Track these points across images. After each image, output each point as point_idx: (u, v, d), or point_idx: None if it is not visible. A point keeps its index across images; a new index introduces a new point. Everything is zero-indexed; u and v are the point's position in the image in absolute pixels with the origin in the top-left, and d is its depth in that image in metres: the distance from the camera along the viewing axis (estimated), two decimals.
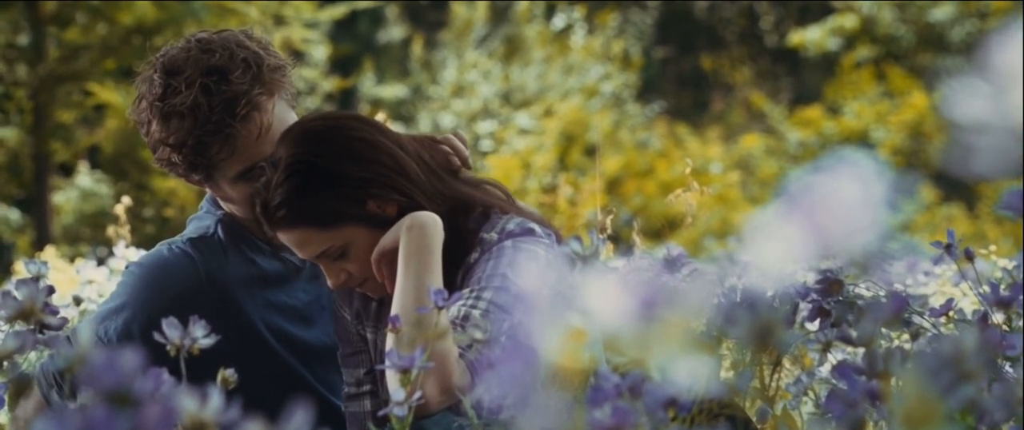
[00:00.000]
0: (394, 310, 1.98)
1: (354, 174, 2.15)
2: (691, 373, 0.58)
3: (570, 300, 0.60)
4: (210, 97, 2.24)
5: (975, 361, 0.83)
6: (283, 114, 2.34)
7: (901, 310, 1.15)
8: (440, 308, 1.74)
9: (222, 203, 2.48)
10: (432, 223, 2.12)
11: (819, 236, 0.58)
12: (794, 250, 0.58)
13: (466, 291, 2.02)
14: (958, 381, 0.84)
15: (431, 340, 1.76)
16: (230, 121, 2.25)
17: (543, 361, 0.61)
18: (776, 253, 0.58)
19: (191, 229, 2.50)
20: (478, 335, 1.62)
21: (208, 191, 2.50)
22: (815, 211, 0.57)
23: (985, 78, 0.62)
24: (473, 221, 2.20)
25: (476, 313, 1.93)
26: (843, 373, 1.06)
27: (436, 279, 2.05)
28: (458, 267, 2.14)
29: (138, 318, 2.35)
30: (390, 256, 2.14)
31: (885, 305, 1.17)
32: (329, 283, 2.24)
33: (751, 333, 0.77)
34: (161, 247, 2.46)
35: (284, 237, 2.19)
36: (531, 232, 2.15)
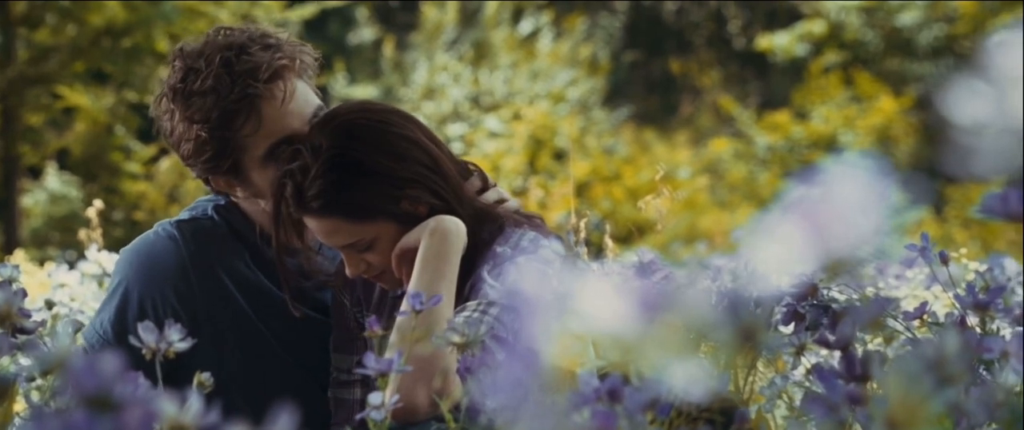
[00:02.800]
0: (402, 310, 1.98)
1: (394, 172, 2.15)
2: (687, 376, 0.59)
3: (573, 307, 0.60)
4: (231, 69, 2.25)
5: (957, 364, 0.83)
6: (305, 92, 2.34)
7: (882, 313, 1.16)
8: (417, 312, 1.73)
9: (243, 203, 2.45)
10: (455, 230, 2.13)
11: (820, 241, 0.58)
12: (795, 255, 0.58)
13: (473, 304, 2.02)
14: (941, 384, 0.85)
15: (411, 345, 1.75)
16: (254, 84, 2.24)
17: (544, 366, 0.61)
18: (776, 258, 0.58)
19: (186, 212, 2.49)
20: (456, 339, 1.61)
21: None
22: (816, 215, 0.58)
23: (985, 80, 0.62)
24: (487, 232, 2.20)
25: (482, 328, 1.94)
26: (823, 377, 1.06)
27: (448, 287, 2.05)
28: (467, 278, 2.14)
29: (131, 302, 2.35)
30: (410, 255, 2.15)
31: (866, 308, 1.18)
32: (347, 271, 2.24)
33: (734, 336, 0.78)
34: (149, 231, 2.46)
35: (313, 224, 2.18)
36: (543, 248, 2.15)
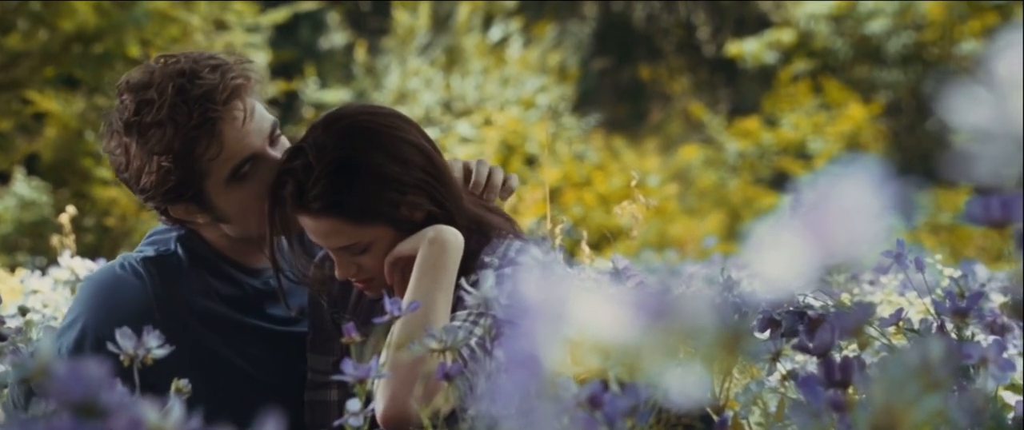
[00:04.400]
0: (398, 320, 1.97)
1: (398, 177, 2.14)
2: (682, 383, 0.59)
3: (569, 314, 0.60)
4: (185, 95, 2.21)
5: (941, 371, 0.84)
6: (260, 109, 2.32)
7: (865, 320, 1.17)
8: (396, 317, 1.73)
9: (203, 230, 2.41)
10: (454, 241, 2.12)
11: (824, 246, 0.58)
12: (798, 260, 0.59)
13: (462, 314, 2.02)
14: (924, 391, 0.85)
15: (405, 354, 1.75)
16: (213, 108, 2.22)
17: (542, 373, 0.61)
18: (780, 263, 0.59)
19: (149, 247, 2.43)
20: (434, 346, 1.61)
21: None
22: (820, 220, 0.58)
23: (986, 85, 0.63)
24: (475, 242, 2.19)
25: (461, 334, 1.94)
26: (806, 383, 1.07)
27: (445, 298, 2.05)
28: (456, 289, 2.14)
29: (88, 336, 2.31)
30: (404, 263, 2.14)
31: (848, 315, 1.18)
32: (337, 273, 2.22)
33: (722, 342, 0.78)
34: (115, 263, 2.41)
35: (311, 224, 2.16)
36: (532, 258, 2.14)
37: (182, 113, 2.21)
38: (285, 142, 2.36)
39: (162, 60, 2.28)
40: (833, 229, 0.58)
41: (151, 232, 2.49)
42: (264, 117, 2.31)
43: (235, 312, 2.40)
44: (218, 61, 2.28)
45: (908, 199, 0.65)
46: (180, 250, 2.39)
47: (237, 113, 2.25)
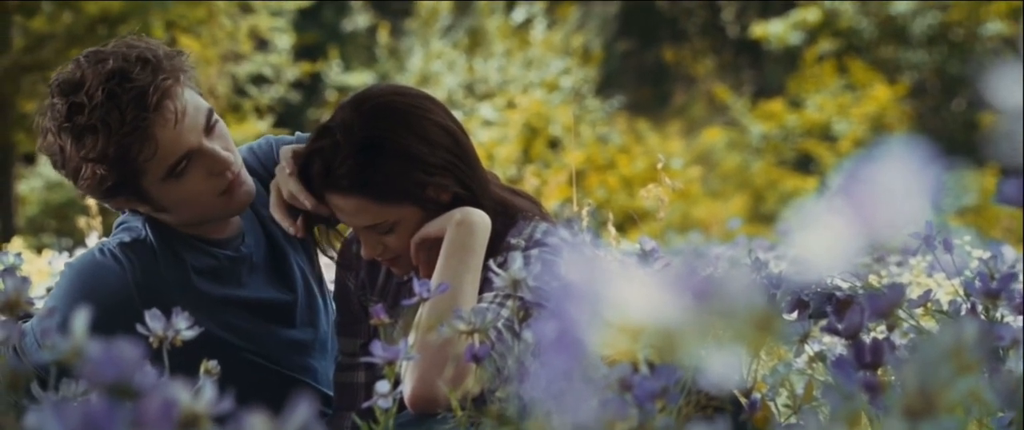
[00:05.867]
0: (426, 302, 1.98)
1: (425, 157, 2.14)
2: (723, 365, 0.59)
3: (608, 296, 0.60)
4: (117, 100, 2.19)
5: (976, 353, 0.83)
6: (194, 100, 2.29)
7: (897, 302, 1.16)
8: (425, 299, 1.73)
9: (151, 216, 2.40)
10: (482, 223, 2.12)
11: (866, 227, 0.58)
12: (840, 242, 0.58)
13: (490, 295, 2.02)
14: (958, 373, 0.85)
15: (433, 335, 1.75)
16: (144, 114, 2.19)
17: (586, 355, 0.61)
18: (821, 245, 0.58)
19: (124, 232, 2.41)
20: (462, 327, 1.61)
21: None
22: (863, 201, 0.58)
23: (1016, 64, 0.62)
24: (501, 224, 2.19)
25: (489, 316, 1.94)
26: (839, 365, 1.06)
27: (473, 279, 2.05)
28: (483, 271, 2.13)
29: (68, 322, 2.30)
30: (430, 243, 2.15)
31: (881, 297, 1.18)
32: (363, 252, 2.22)
33: (753, 323, 0.77)
34: (94, 250, 2.39)
35: (338, 202, 2.17)
36: (559, 239, 2.13)
37: (115, 118, 2.18)
38: (223, 129, 2.34)
39: (88, 58, 2.25)
40: (875, 211, 0.58)
41: (119, 220, 2.47)
42: (198, 109, 2.27)
43: (214, 285, 2.40)
44: (148, 55, 2.24)
45: (941, 181, 0.64)
46: (150, 232, 2.38)
47: (169, 116, 2.22)
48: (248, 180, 2.38)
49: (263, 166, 2.55)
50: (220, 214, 2.39)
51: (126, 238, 2.38)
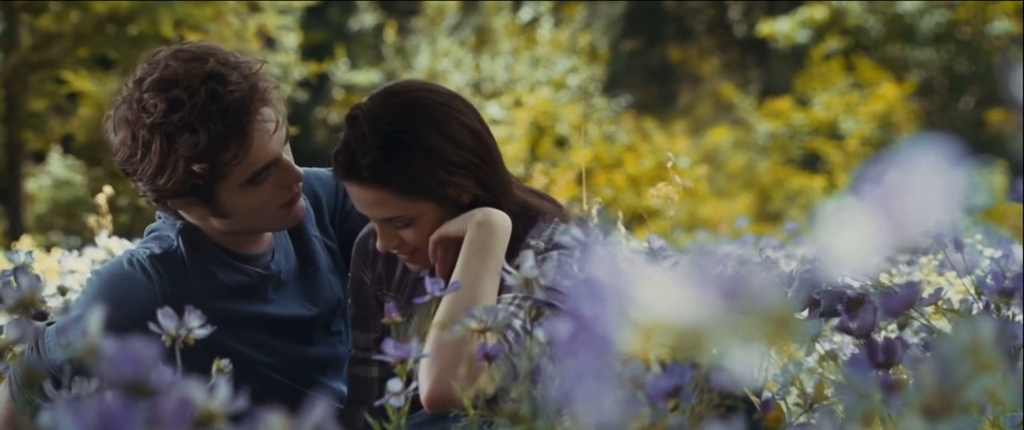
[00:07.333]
0: (444, 301, 1.97)
1: (448, 155, 2.14)
2: (737, 363, 0.59)
3: (631, 295, 0.60)
4: (219, 101, 2.18)
5: (993, 352, 0.83)
6: (281, 108, 2.31)
7: (913, 301, 1.16)
8: (438, 297, 1.73)
9: (202, 220, 2.36)
10: (502, 225, 2.12)
11: (894, 226, 0.58)
12: (868, 240, 0.58)
13: (508, 297, 2.02)
14: (975, 372, 0.85)
15: (449, 335, 1.75)
16: (247, 118, 2.19)
17: (614, 355, 0.61)
18: (850, 243, 0.58)
19: (153, 243, 2.39)
20: (474, 326, 1.61)
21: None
22: (890, 201, 0.57)
23: None
24: (522, 226, 2.19)
25: (516, 322, 1.93)
26: (854, 364, 1.06)
27: (493, 281, 2.04)
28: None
29: None
30: (449, 242, 2.15)
31: (896, 296, 1.18)
32: (379, 245, 2.22)
33: (774, 322, 0.77)
34: (123, 258, 2.37)
35: (359, 193, 2.16)
36: (575, 239, 2.13)
37: (216, 120, 2.17)
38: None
39: (180, 56, 2.23)
40: (904, 210, 0.57)
41: (150, 228, 2.45)
42: (283, 120, 2.29)
43: (241, 302, 2.38)
44: (239, 61, 2.24)
45: (969, 181, 0.64)
46: (182, 245, 2.36)
47: (269, 123, 2.24)
48: (302, 196, 2.39)
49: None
50: (275, 226, 2.38)
51: (156, 250, 2.35)
